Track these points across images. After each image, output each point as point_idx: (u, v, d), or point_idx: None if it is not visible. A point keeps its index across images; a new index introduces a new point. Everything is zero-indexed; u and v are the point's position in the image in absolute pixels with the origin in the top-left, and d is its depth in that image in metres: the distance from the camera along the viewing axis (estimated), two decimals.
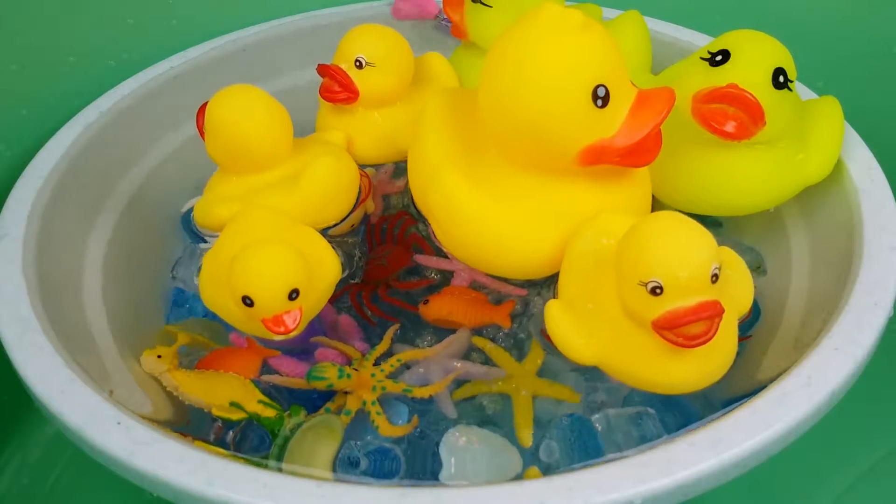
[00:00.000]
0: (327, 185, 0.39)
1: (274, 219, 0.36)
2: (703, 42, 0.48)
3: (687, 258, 0.27)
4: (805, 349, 0.31)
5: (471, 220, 0.34)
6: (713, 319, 0.27)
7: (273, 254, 0.32)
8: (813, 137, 0.37)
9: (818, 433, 0.29)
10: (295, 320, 0.32)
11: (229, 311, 0.34)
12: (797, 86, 0.42)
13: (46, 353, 0.31)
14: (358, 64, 0.42)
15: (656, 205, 0.41)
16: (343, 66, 0.42)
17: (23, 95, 0.45)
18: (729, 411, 0.28)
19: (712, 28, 0.49)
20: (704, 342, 0.27)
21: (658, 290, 0.27)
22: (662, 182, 0.38)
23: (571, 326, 0.32)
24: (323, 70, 0.42)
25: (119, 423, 0.28)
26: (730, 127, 0.34)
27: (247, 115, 0.37)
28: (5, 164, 0.43)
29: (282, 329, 0.32)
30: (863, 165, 0.38)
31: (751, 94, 0.34)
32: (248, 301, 0.32)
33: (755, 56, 0.35)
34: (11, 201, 0.38)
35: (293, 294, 0.32)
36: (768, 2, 0.55)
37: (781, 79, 0.34)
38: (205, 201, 0.39)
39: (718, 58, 0.35)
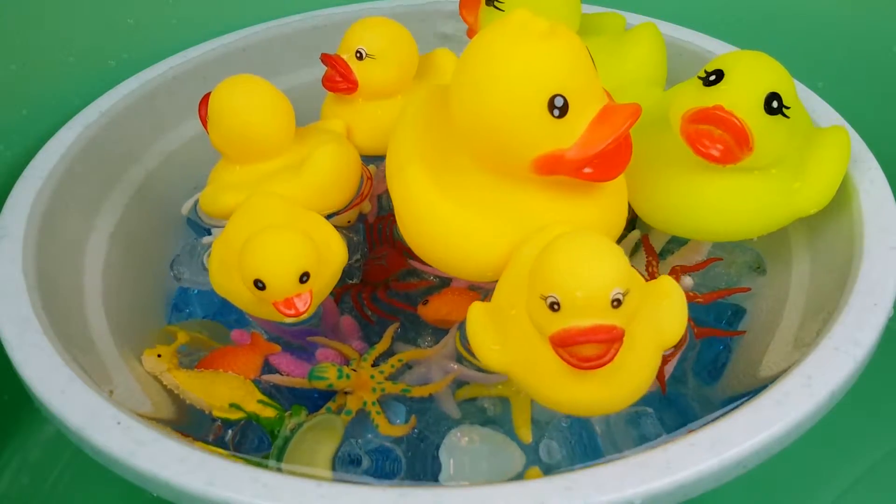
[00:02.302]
0: (330, 172, 0.39)
1: (282, 205, 0.36)
2: (701, 42, 0.48)
3: (585, 278, 0.27)
4: (805, 349, 0.31)
5: (426, 216, 0.34)
6: (610, 344, 0.27)
7: (284, 238, 0.33)
8: (812, 167, 0.36)
9: (818, 433, 0.29)
10: (305, 303, 0.33)
11: (240, 295, 0.34)
12: (821, 111, 0.41)
13: (46, 353, 0.31)
14: (358, 55, 0.42)
15: (641, 225, 0.40)
16: (344, 57, 0.42)
17: (23, 95, 0.45)
18: (729, 411, 0.28)
19: (712, 29, 0.49)
20: (598, 366, 0.27)
21: (556, 307, 0.27)
22: (648, 201, 0.37)
23: (488, 330, 0.31)
24: (325, 59, 0.43)
25: (119, 423, 0.28)
26: (715, 150, 0.33)
27: (250, 103, 0.38)
28: (5, 164, 0.43)
29: (292, 312, 0.32)
30: (863, 165, 0.38)
31: (737, 117, 0.33)
32: (259, 284, 0.32)
33: (747, 79, 0.33)
34: (11, 201, 0.38)
35: (304, 277, 0.32)
36: (769, 2, 0.55)
37: (775, 104, 0.33)
38: (210, 190, 0.40)
39: (712, 77, 0.34)
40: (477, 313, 0.32)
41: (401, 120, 0.37)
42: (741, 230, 0.37)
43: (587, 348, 0.27)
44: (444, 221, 0.33)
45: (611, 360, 0.27)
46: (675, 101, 0.35)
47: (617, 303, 0.27)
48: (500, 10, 0.43)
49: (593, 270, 0.27)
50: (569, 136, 0.30)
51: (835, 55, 0.54)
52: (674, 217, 0.37)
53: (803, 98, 0.39)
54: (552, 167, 0.30)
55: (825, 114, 0.41)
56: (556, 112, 0.29)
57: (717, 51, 0.47)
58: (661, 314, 0.30)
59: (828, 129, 0.38)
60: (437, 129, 0.35)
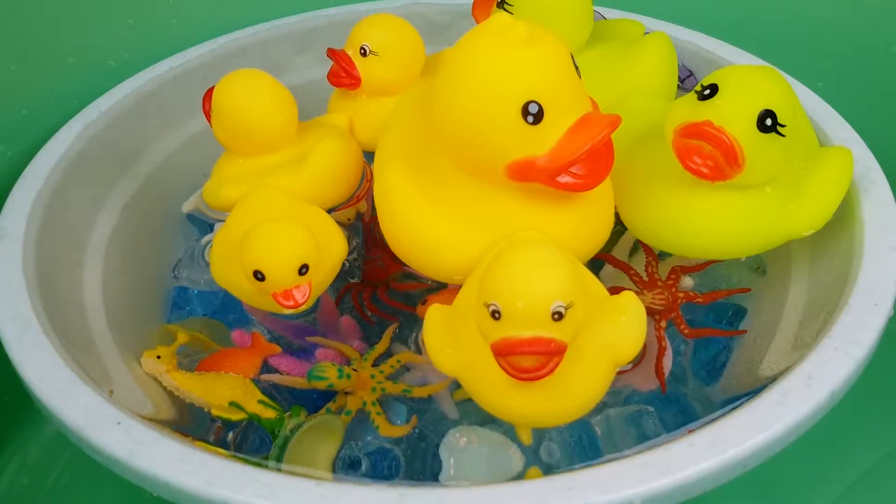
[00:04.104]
0: (331, 166, 0.39)
1: (283, 198, 0.36)
2: (702, 43, 0.48)
3: (525, 289, 0.26)
4: (805, 349, 0.31)
5: (401, 215, 0.34)
6: (549, 356, 0.27)
7: (284, 230, 0.33)
8: (809, 188, 0.35)
9: (818, 433, 0.29)
10: (304, 294, 0.33)
11: (240, 286, 0.35)
12: (821, 111, 0.41)
13: (46, 353, 0.31)
14: (362, 51, 0.42)
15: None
16: (349, 53, 0.43)
17: (23, 95, 0.45)
18: (729, 411, 0.28)
19: (711, 28, 0.49)
20: (535, 378, 0.27)
21: (497, 315, 0.27)
22: (638, 214, 0.37)
23: (443, 333, 0.31)
24: (330, 54, 0.43)
25: (119, 423, 0.28)
26: (704, 167, 0.32)
27: (253, 96, 0.38)
28: (5, 164, 0.43)
29: (291, 303, 0.33)
30: (863, 165, 0.38)
31: (726, 133, 0.32)
32: (259, 276, 0.32)
33: (741, 94, 0.32)
34: (11, 201, 0.38)
35: (303, 269, 0.33)
36: (769, 2, 0.55)
37: (769, 122, 0.32)
38: (213, 182, 0.40)
39: (706, 92, 0.33)
40: (434, 316, 0.32)
41: (390, 117, 0.37)
42: (731, 249, 0.36)
43: (526, 359, 0.27)
44: (417, 221, 0.33)
45: (549, 373, 0.27)
46: (670, 114, 0.34)
47: (558, 315, 0.26)
48: (509, 13, 0.42)
49: (534, 282, 0.27)
50: (543, 143, 0.29)
51: (835, 55, 0.54)
52: (662, 232, 0.36)
53: (803, 99, 0.38)
54: (524, 174, 0.30)
55: (825, 114, 0.41)
56: (531, 118, 0.29)
57: (718, 52, 0.47)
58: (616, 330, 0.30)
59: (831, 150, 0.37)
60: (423, 128, 0.35)
